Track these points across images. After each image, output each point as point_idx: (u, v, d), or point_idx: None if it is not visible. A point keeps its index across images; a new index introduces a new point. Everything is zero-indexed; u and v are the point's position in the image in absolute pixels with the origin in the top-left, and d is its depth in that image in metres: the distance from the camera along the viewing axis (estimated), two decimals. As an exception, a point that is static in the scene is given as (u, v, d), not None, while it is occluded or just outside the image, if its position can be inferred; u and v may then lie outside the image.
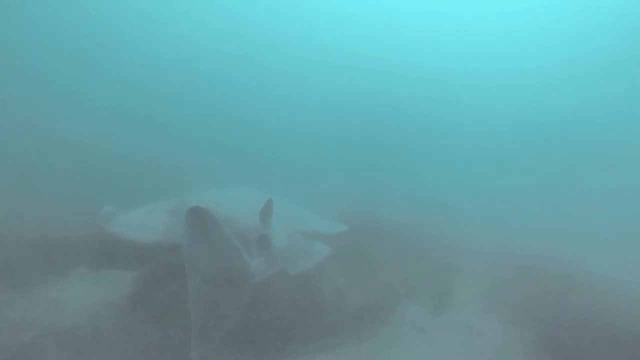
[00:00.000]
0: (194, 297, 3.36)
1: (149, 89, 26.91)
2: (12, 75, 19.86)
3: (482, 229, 10.45)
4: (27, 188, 7.59)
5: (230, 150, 19.04)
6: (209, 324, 3.34)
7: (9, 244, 5.00)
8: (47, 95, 19.08)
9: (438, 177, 19.86)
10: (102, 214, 4.39)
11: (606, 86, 29.75)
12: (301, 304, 4.95)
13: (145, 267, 4.80)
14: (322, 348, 4.46)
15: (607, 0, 27.84)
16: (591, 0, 28.54)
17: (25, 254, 4.87)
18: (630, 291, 6.50)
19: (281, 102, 31.44)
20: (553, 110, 29.84)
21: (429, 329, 5.04)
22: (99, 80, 24.74)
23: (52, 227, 5.61)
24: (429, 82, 34.03)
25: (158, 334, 4.14)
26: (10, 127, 12.50)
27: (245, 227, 4.51)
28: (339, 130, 27.24)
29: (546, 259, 7.91)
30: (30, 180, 8.28)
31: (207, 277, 3.40)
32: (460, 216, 12.09)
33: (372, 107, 30.47)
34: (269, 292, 4.65)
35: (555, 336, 4.90)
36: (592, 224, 13.05)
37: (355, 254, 6.70)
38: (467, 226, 10.55)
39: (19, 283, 4.42)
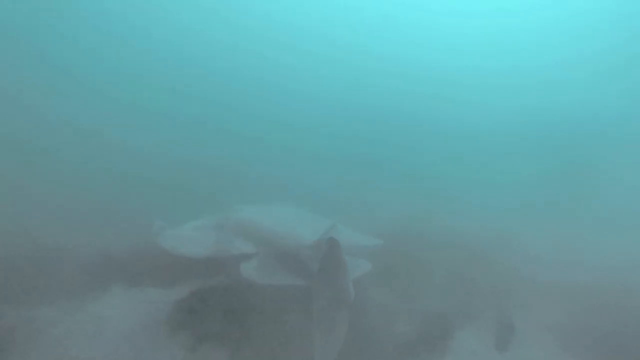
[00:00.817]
0: (319, 320, 3.75)
1: (161, 83, 26.70)
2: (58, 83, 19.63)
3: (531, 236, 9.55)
4: (70, 197, 7.35)
5: (255, 150, 18.71)
6: (330, 344, 3.69)
7: (54, 254, 4.82)
8: (92, 101, 18.99)
9: (443, 173, 19.25)
10: (154, 229, 4.56)
11: (609, 85, 29.08)
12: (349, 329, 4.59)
13: (189, 286, 4.55)
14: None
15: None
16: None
17: (68, 266, 4.66)
18: None
19: (288, 98, 31.21)
20: (558, 108, 29.14)
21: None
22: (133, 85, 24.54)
23: (98, 238, 5.42)
24: (440, 81, 33.60)
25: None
26: (55, 136, 12.22)
27: (295, 245, 4.74)
28: (348, 128, 26.87)
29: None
30: (74, 189, 8.00)
31: (329, 300, 3.80)
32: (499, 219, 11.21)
33: (375, 105, 30.20)
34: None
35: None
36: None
37: (394, 269, 6.29)
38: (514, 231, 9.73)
39: (62, 297, 4.19)
